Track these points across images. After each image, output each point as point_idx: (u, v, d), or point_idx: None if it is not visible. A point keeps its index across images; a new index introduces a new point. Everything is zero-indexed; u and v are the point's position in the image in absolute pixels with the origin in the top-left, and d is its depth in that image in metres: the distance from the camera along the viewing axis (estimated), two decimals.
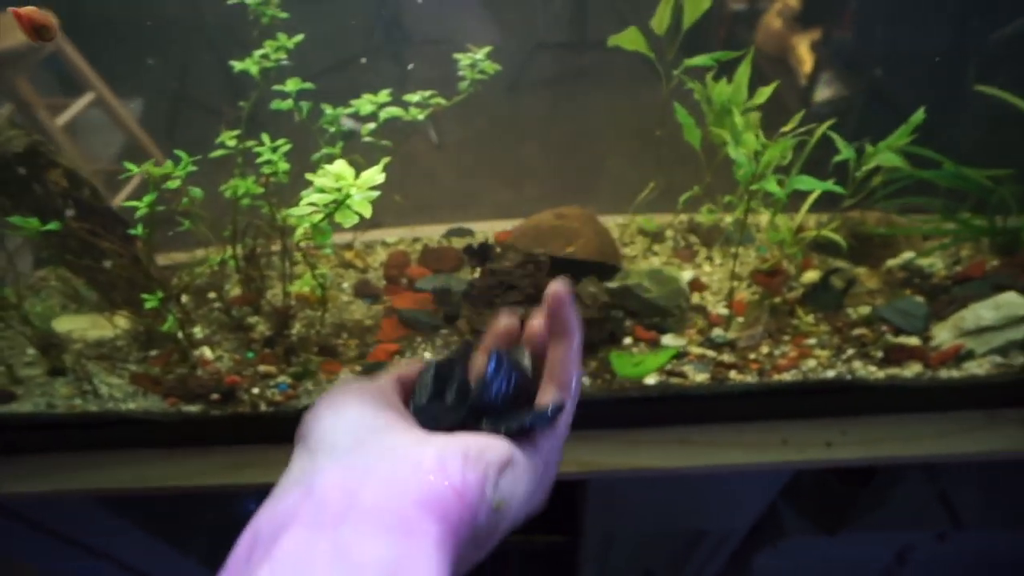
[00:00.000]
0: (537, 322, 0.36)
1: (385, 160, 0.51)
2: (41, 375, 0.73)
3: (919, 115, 0.55)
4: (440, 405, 0.34)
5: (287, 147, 0.62)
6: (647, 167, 0.76)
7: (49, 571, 0.97)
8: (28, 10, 0.40)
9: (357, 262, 0.85)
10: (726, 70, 0.64)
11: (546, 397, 0.34)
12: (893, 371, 0.64)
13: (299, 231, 0.54)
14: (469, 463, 0.27)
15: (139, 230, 0.54)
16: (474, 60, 0.72)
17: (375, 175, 0.50)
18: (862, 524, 0.84)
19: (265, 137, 0.64)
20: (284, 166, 0.61)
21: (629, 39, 0.61)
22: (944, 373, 0.64)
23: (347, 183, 0.50)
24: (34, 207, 0.67)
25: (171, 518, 0.91)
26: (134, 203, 0.53)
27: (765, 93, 0.58)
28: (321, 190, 0.47)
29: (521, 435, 0.32)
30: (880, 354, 0.65)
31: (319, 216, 0.51)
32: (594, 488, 0.78)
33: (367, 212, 0.50)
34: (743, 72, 0.58)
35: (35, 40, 0.40)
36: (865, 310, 0.67)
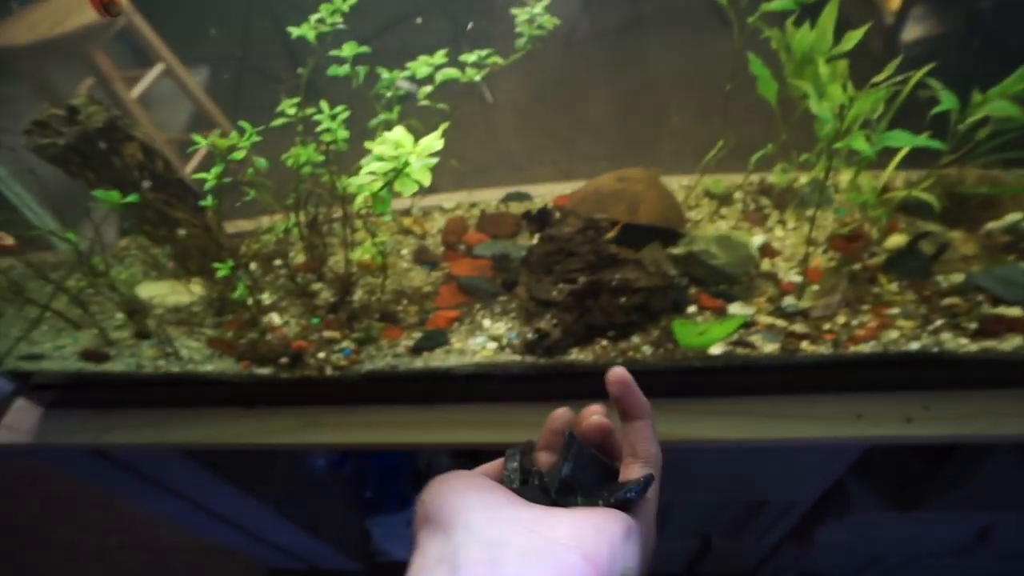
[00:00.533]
0: (595, 413, 0.38)
1: (443, 126, 0.50)
2: (129, 338, 0.78)
3: None
4: (533, 490, 0.35)
5: (346, 114, 0.62)
6: (715, 124, 0.72)
7: (149, 510, 1.07)
8: None
9: (416, 228, 0.85)
10: (808, 14, 0.58)
11: (633, 472, 0.35)
12: (988, 344, 0.59)
13: (359, 199, 0.54)
14: (600, 534, 0.28)
15: (209, 201, 0.56)
16: (532, 15, 0.68)
17: (434, 142, 0.49)
18: (940, 503, 0.79)
19: (324, 104, 0.64)
20: (343, 134, 0.61)
21: None
22: None
23: (406, 151, 0.49)
24: (114, 179, 0.71)
25: (247, 469, 0.97)
26: (202, 175, 0.54)
27: (854, 37, 0.52)
28: (380, 158, 0.47)
29: (620, 507, 0.33)
30: (974, 325, 0.59)
31: (379, 184, 0.51)
32: None
33: (427, 180, 0.49)
34: (828, 15, 0.53)
35: (103, 16, 0.41)
36: (958, 278, 0.62)
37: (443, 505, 0.31)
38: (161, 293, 0.82)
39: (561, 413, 0.40)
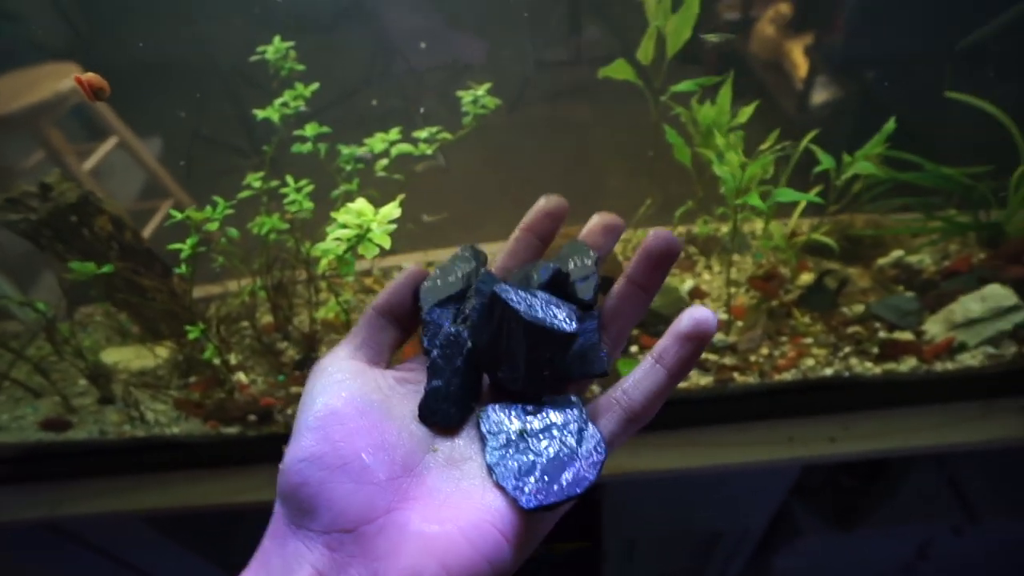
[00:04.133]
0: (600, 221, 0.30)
1: (400, 197, 0.57)
2: (92, 404, 0.79)
3: (890, 125, 0.59)
4: (448, 388, 0.27)
5: (310, 188, 0.68)
6: (645, 183, 0.81)
7: None
8: (88, 76, 0.46)
9: (376, 287, 0.90)
10: (712, 91, 0.68)
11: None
12: (889, 366, 0.67)
13: (323, 262, 0.59)
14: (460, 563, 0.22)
15: (183, 269, 0.60)
16: (476, 96, 0.77)
17: (392, 210, 0.56)
18: (877, 520, 0.85)
19: (289, 179, 0.70)
20: (308, 205, 0.67)
21: (618, 70, 0.66)
22: (939, 366, 0.67)
23: (368, 219, 0.55)
24: (83, 250, 0.74)
25: (214, 537, 0.96)
26: (179, 245, 0.59)
27: (747, 113, 0.62)
28: (344, 226, 0.53)
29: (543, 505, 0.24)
30: (876, 350, 0.68)
31: (343, 248, 0.56)
32: (608, 493, 0.81)
33: (387, 244, 0.55)
34: (724, 95, 0.63)
35: (92, 101, 0.46)
36: (859, 308, 0.71)
37: (305, 468, 0.23)
38: (126, 358, 0.84)
39: (547, 202, 0.30)
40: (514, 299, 0.25)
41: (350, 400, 0.25)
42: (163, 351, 0.83)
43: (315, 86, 0.76)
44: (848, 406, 0.70)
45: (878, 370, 0.67)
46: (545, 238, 0.30)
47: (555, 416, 0.26)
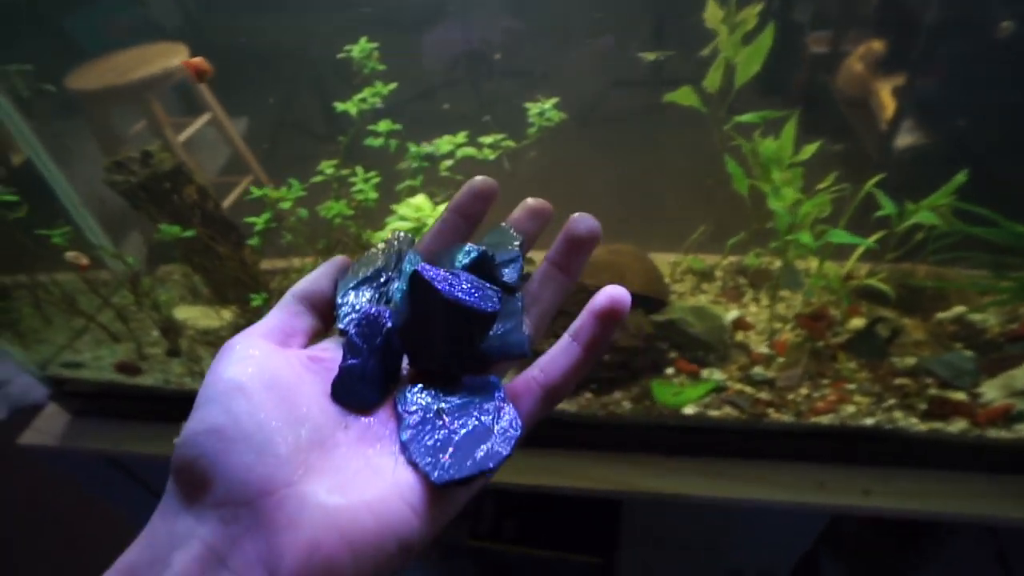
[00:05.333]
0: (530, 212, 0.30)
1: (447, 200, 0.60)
2: (161, 354, 0.87)
3: (961, 177, 0.57)
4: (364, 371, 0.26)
5: (377, 179, 0.73)
6: (701, 210, 0.81)
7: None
8: (196, 60, 0.52)
9: None
10: (776, 125, 0.68)
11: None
12: (936, 425, 0.64)
13: None
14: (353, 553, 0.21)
15: (255, 241, 0.66)
16: (542, 109, 0.80)
17: (438, 210, 0.59)
18: None
19: (359, 169, 0.75)
20: (373, 195, 0.71)
21: (683, 96, 0.67)
22: (992, 432, 0.63)
23: (425, 213, 0.59)
24: (172, 214, 0.82)
25: None
26: (254, 219, 0.64)
27: (810, 150, 0.62)
28: (403, 218, 0.56)
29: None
30: (924, 406, 0.65)
31: None
32: (627, 511, 0.81)
33: None
34: (789, 130, 0.63)
35: (197, 82, 0.52)
36: (911, 361, 0.68)
37: (202, 440, 0.22)
38: (194, 316, 0.91)
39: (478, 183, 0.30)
40: (436, 279, 0.24)
41: (257, 375, 0.24)
42: (227, 314, 0.90)
43: (393, 85, 0.80)
44: (886, 460, 0.67)
45: (924, 427, 0.64)
46: (472, 220, 0.30)
47: (473, 396, 0.26)
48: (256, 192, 0.65)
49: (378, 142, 0.77)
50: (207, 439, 0.22)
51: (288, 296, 0.28)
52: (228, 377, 0.24)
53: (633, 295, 0.74)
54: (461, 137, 0.81)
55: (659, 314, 0.76)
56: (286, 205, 0.66)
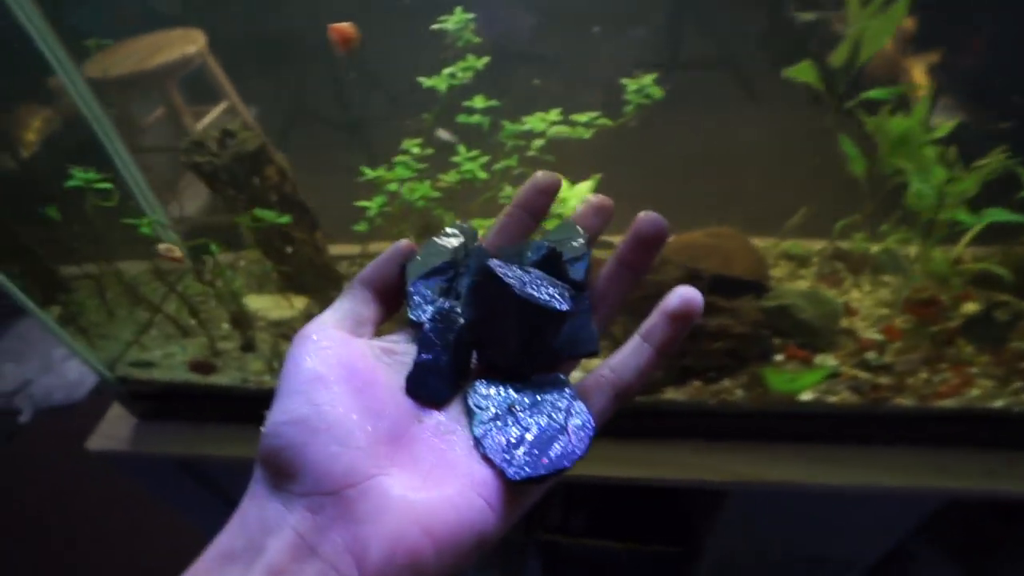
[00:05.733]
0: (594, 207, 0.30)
1: (596, 176, 0.57)
2: (235, 349, 0.82)
3: None
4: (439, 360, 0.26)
5: (485, 158, 0.69)
6: (793, 191, 0.80)
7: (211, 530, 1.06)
8: (343, 26, 0.47)
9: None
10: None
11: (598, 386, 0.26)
12: None
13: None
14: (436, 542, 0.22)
15: (363, 227, 0.62)
16: (641, 85, 0.77)
17: (589, 188, 0.56)
18: (1011, 570, 0.81)
19: (462, 148, 0.72)
20: (483, 175, 0.68)
21: (803, 71, 0.65)
22: None
23: (564, 194, 0.56)
24: (252, 196, 0.77)
25: None
26: (366, 203, 0.61)
27: (947, 127, 0.61)
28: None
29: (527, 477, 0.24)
30: None
31: None
32: (733, 504, 0.80)
33: None
34: (921, 107, 0.61)
35: (344, 51, 0.47)
36: None
37: (288, 430, 0.23)
38: (265, 307, 0.87)
39: (542, 178, 0.30)
40: (509, 276, 0.25)
41: (336, 366, 0.24)
42: (300, 303, 0.86)
43: (486, 59, 0.77)
44: (1010, 443, 0.67)
45: None
46: (537, 215, 0.30)
47: (544, 393, 0.26)
48: (369, 173, 0.61)
49: (475, 119, 0.74)
50: (293, 429, 0.22)
51: (356, 283, 0.28)
52: (309, 368, 0.24)
53: (739, 280, 0.72)
54: (554, 114, 0.78)
55: (767, 299, 0.74)
56: (393, 187, 0.63)
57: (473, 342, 0.27)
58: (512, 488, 0.23)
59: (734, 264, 0.75)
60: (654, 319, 0.26)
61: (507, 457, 0.24)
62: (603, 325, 0.28)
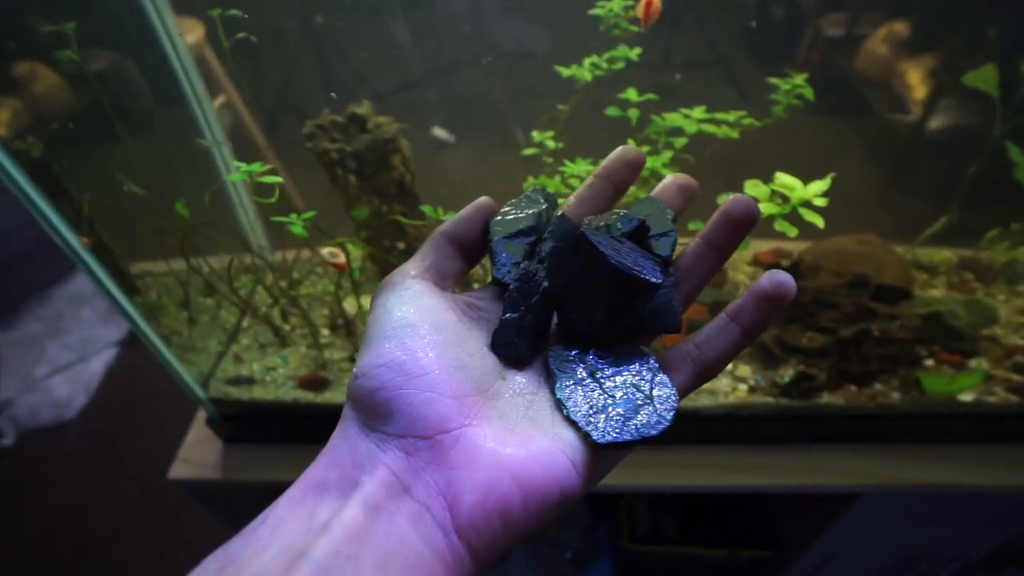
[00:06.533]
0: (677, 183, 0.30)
1: (832, 174, 0.54)
2: (343, 359, 0.72)
3: None
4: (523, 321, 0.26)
5: (668, 156, 0.64)
6: (923, 200, 0.80)
7: None
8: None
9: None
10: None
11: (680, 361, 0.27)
12: None
13: None
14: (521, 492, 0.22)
15: None
16: (793, 84, 0.75)
17: (823, 186, 0.53)
18: None
19: (631, 142, 0.66)
20: (669, 173, 0.62)
21: (984, 78, 0.65)
22: None
23: (798, 193, 0.52)
24: (376, 188, 0.68)
25: None
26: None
27: None
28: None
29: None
30: None
31: None
32: (860, 506, 0.79)
33: (820, 222, 0.52)
34: None
35: (644, 27, 0.42)
36: None
37: (383, 373, 0.23)
38: (365, 308, 0.77)
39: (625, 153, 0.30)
40: (602, 244, 0.25)
41: (426, 316, 0.25)
42: None
43: (638, 50, 0.72)
44: None
45: None
46: (620, 188, 0.30)
47: (626, 362, 0.26)
48: (533, 181, 0.55)
49: (634, 111, 0.68)
50: (388, 372, 0.23)
51: (439, 236, 0.28)
52: (399, 315, 0.25)
53: (892, 288, 0.71)
54: (699, 112, 0.74)
55: (915, 306, 0.74)
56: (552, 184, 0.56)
57: (555, 305, 0.27)
58: (597, 451, 0.24)
59: (885, 272, 0.74)
60: (745, 299, 0.25)
61: (592, 421, 0.24)
62: (685, 303, 0.28)
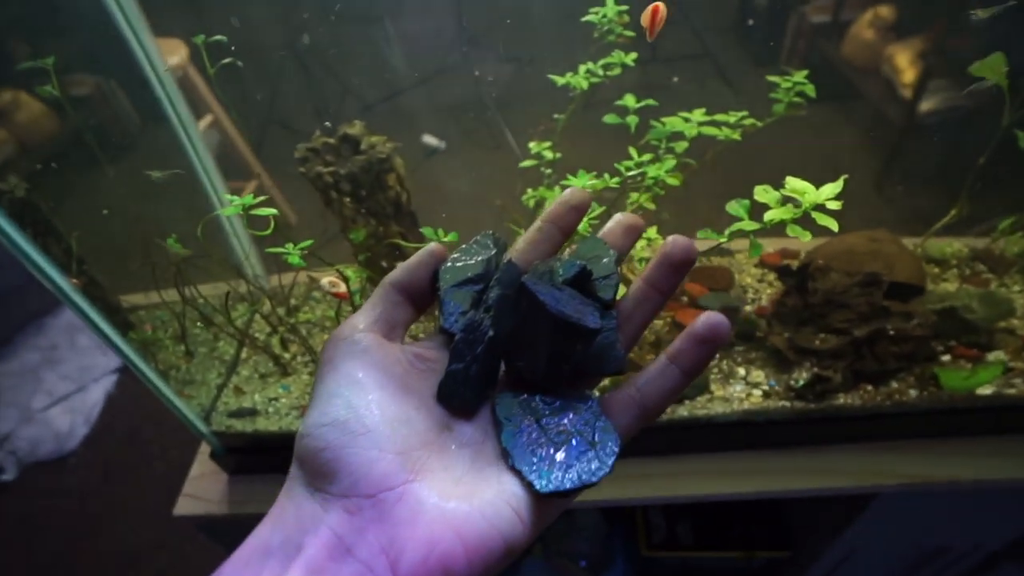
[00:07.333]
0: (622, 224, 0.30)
1: (844, 177, 0.52)
2: None
3: None
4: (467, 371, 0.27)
5: (672, 163, 0.62)
6: (933, 192, 0.78)
7: None
8: (661, 6, 0.41)
9: (629, 275, 0.84)
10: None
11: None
12: None
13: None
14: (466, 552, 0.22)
15: None
16: (793, 82, 0.73)
17: (836, 188, 0.51)
18: None
19: (633, 151, 0.64)
20: (675, 181, 0.61)
21: (991, 67, 0.63)
22: None
23: (811, 197, 0.51)
24: (372, 210, 0.66)
25: None
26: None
27: None
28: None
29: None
30: None
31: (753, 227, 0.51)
32: (878, 504, 0.78)
33: (834, 225, 0.50)
34: None
35: (651, 37, 0.41)
36: None
37: (327, 433, 0.23)
38: None
39: (573, 195, 0.30)
40: (542, 292, 0.25)
41: (372, 371, 0.25)
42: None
43: (634, 55, 0.70)
44: None
45: None
46: (566, 231, 0.30)
47: (571, 408, 0.27)
48: (532, 193, 0.53)
49: (630, 119, 0.67)
50: (331, 432, 0.23)
51: (387, 285, 0.28)
52: (345, 371, 0.25)
53: (904, 285, 0.69)
54: (699, 115, 0.72)
55: (929, 302, 0.73)
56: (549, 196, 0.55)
57: (501, 354, 0.28)
58: (541, 499, 0.24)
59: (896, 269, 0.72)
60: (682, 342, 0.26)
61: (536, 470, 0.24)
62: (629, 344, 0.29)
